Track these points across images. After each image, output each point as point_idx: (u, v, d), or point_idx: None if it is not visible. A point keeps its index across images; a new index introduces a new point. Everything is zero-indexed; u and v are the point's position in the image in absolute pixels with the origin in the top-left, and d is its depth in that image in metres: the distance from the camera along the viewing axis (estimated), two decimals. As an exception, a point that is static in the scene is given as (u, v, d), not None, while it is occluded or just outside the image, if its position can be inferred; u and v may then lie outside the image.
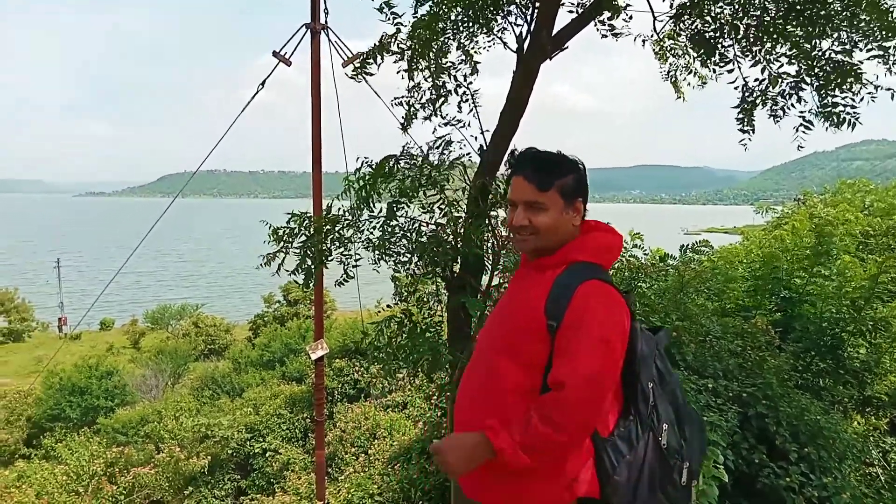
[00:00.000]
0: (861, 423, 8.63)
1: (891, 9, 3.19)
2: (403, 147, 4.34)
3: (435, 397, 7.49)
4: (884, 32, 3.21)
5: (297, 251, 4.38)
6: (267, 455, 14.50)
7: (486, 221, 4.61)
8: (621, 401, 1.86)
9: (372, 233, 4.53)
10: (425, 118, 4.73)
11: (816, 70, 3.55)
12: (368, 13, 4.91)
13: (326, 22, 8.92)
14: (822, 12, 3.31)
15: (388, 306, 4.90)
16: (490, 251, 4.70)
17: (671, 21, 4.36)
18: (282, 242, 4.40)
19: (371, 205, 4.16)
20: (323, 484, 8.13)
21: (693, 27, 4.17)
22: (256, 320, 39.87)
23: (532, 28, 4.24)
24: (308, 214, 4.56)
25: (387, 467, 7.92)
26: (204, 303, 51.55)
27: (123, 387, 22.78)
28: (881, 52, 3.34)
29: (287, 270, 4.40)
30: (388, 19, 4.82)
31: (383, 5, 4.79)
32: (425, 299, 4.89)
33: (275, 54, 8.39)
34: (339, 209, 4.54)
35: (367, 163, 4.18)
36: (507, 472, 1.77)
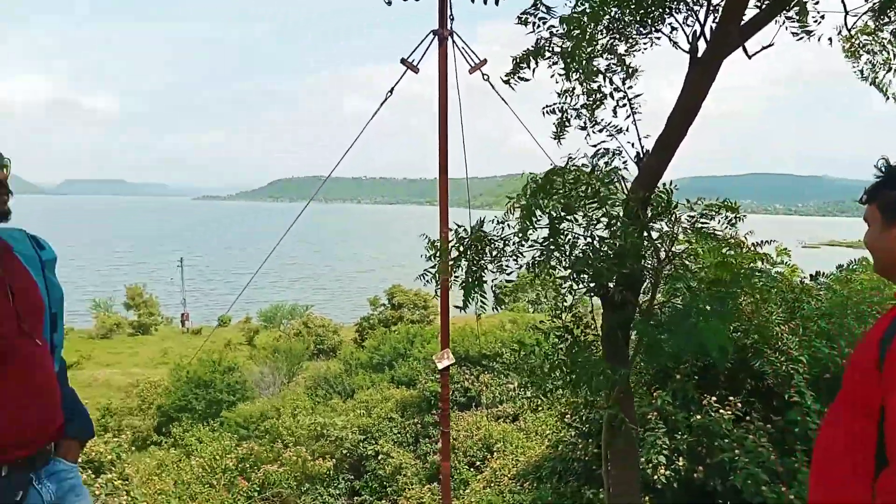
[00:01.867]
0: None
1: None
2: (568, 159, 4.12)
3: (568, 416, 7.19)
4: None
5: (457, 270, 4.26)
6: (379, 458, 14.63)
7: (647, 235, 4.33)
8: None
9: (522, 247, 4.35)
10: (581, 128, 4.50)
11: None
12: (486, 17, 4.74)
13: (452, 28, 8.86)
14: None
15: (540, 322, 4.71)
16: (651, 268, 4.41)
17: (869, 15, 3.91)
18: (436, 256, 4.30)
19: (533, 223, 3.97)
20: (449, 498, 8.04)
21: (900, 21, 3.71)
22: (362, 322, 40.85)
23: (711, 25, 3.93)
24: (464, 228, 4.41)
25: (516, 485, 7.72)
26: (313, 304, 53.48)
27: (244, 382, 23.86)
28: None
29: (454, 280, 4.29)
30: (536, 25, 4.60)
31: (526, 15, 4.58)
32: (580, 316, 4.66)
33: (403, 62, 8.40)
34: (493, 221, 4.39)
35: (532, 178, 4.00)
36: None
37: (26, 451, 1.73)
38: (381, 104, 9.83)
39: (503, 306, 4.43)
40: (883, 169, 1.76)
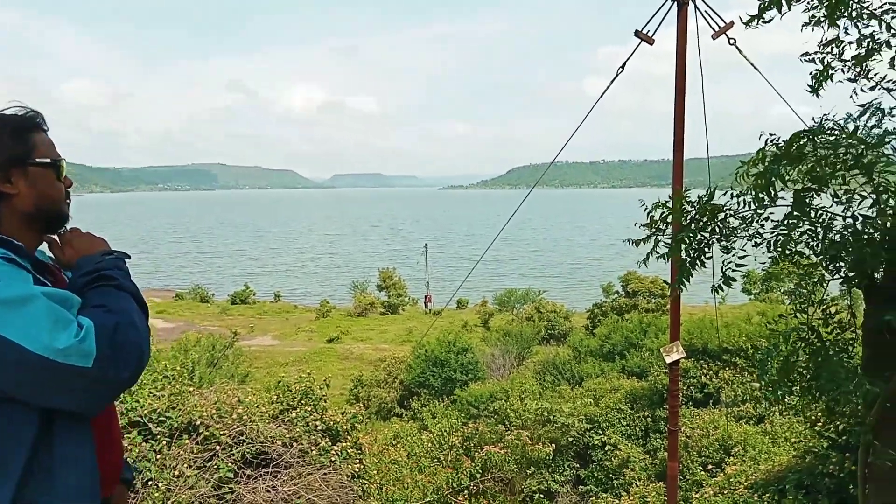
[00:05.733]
0: None
1: None
2: (819, 120, 3.44)
3: (820, 424, 6.21)
4: None
5: (668, 242, 3.83)
6: (606, 449, 14.26)
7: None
8: None
9: (763, 225, 3.73)
10: (850, 80, 3.71)
11: None
12: None
13: (695, -10, 8.05)
14: None
15: (780, 316, 4.04)
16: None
17: None
18: (654, 225, 3.89)
19: (773, 194, 3.38)
20: (674, 499, 7.44)
21: None
22: (594, 310, 40.17)
23: None
24: (689, 198, 3.93)
25: (752, 496, 6.88)
26: (545, 289, 53.88)
27: (476, 363, 24.86)
28: None
29: (658, 256, 3.89)
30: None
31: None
32: (832, 311, 3.90)
33: (637, 34, 7.85)
34: (724, 193, 3.83)
35: (772, 141, 3.41)
36: None
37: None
38: (612, 81, 9.33)
39: (728, 288, 3.85)
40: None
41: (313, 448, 6.08)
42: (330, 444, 6.25)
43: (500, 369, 26.08)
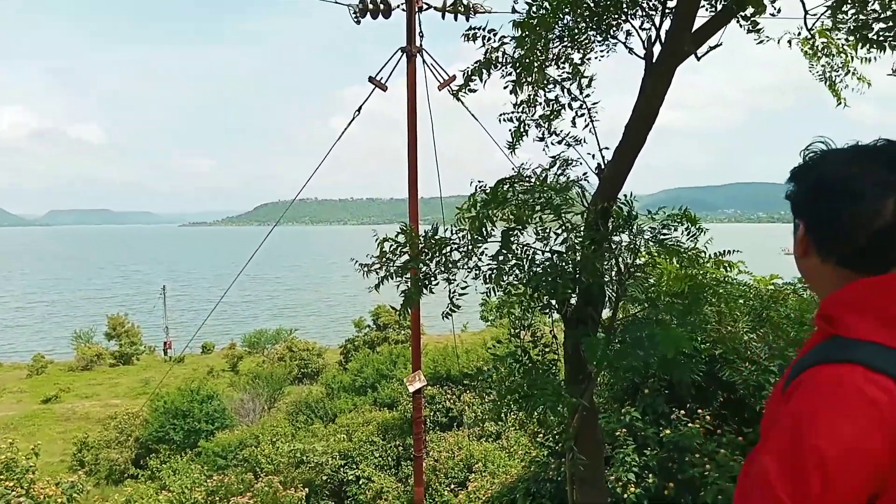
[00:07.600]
0: None
1: None
2: (518, 169, 3.97)
3: (541, 435, 6.99)
4: None
5: (399, 273, 4.10)
6: (360, 483, 14.33)
7: (609, 247, 4.17)
8: None
9: (481, 259, 4.18)
10: (539, 138, 4.35)
11: None
12: (459, 37, 4.68)
13: (421, 45, 8.76)
14: None
15: (497, 342, 4.52)
16: (613, 281, 4.23)
17: (826, 15, 3.80)
18: (385, 258, 4.12)
19: (485, 233, 3.80)
20: (422, 523, 7.77)
21: (855, 19, 3.60)
22: (347, 345, 40.40)
23: (666, 30, 3.80)
24: (414, 232, 4.25)
25: (490, 509, 7.50)
26: (298, 327, 52.95)
27: (223, 410, 23.43)
28: None
29: (390, 280, 4.13)
30: (486, 38, 4.52)
31: (473, 31, 4.51)
32: (539, 335, 4.47)
33: (371, 80, 8.29)
34: (446, 230, 4.22)
35: (481, 188, 3.83)
36: None
37: None
38: (349, 124, 9.72)
39: (454, 313, 4.24)
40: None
41: (17, 531, 5.22)
42: (39, 523, 5.42)
43: (251, 414, 24.88)
